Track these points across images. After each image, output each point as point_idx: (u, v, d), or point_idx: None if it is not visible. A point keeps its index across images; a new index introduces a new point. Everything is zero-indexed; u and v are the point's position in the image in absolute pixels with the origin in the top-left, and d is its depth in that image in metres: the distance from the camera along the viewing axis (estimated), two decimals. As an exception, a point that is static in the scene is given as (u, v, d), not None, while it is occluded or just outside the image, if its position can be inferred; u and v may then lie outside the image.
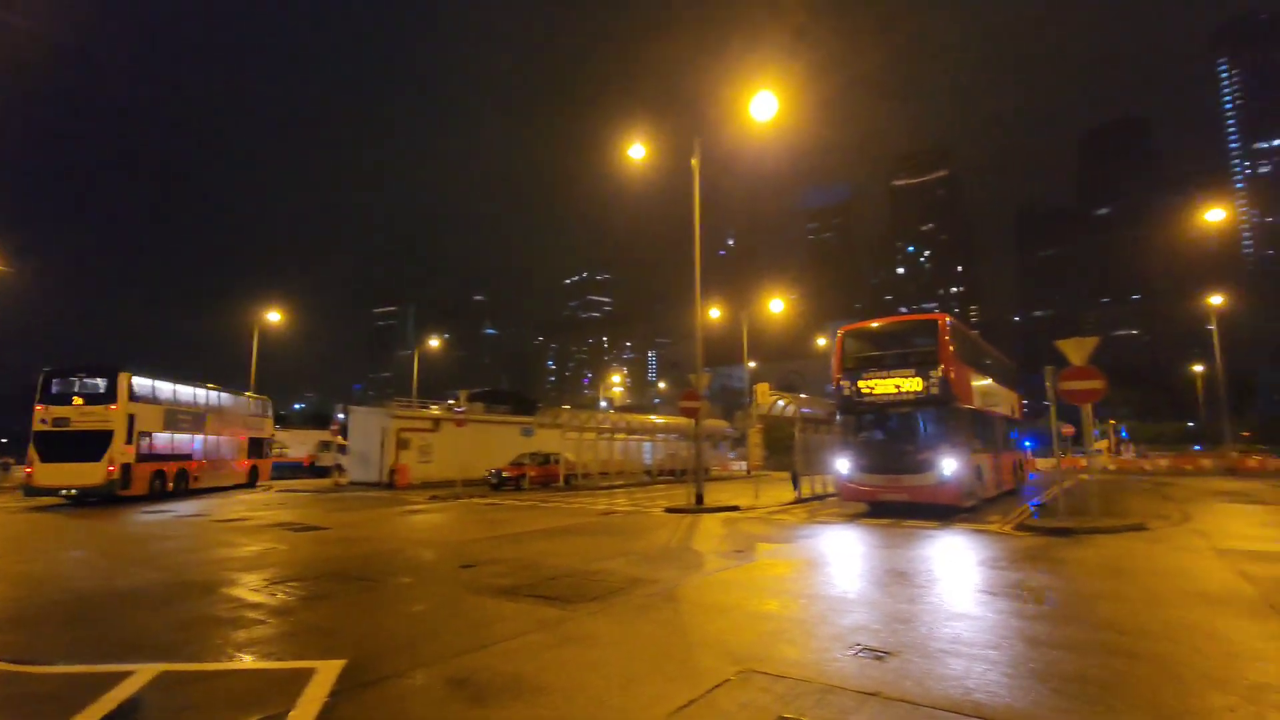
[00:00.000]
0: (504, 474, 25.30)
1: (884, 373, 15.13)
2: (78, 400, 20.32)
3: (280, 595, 7.18)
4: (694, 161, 18.63)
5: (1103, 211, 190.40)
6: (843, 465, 15.58)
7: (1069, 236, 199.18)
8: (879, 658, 4.87)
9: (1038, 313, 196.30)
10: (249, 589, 7.52)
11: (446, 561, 9.43)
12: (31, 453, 19.91)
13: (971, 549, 10.29)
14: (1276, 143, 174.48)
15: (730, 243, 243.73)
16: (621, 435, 29.24)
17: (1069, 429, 35.01)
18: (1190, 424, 78.20)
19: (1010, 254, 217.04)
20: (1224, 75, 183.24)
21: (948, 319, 15.52)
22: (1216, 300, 43.58)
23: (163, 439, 22.35)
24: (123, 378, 20.61)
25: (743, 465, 43.18)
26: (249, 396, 29.27)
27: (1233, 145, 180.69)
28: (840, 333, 16.69)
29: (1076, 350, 12.87)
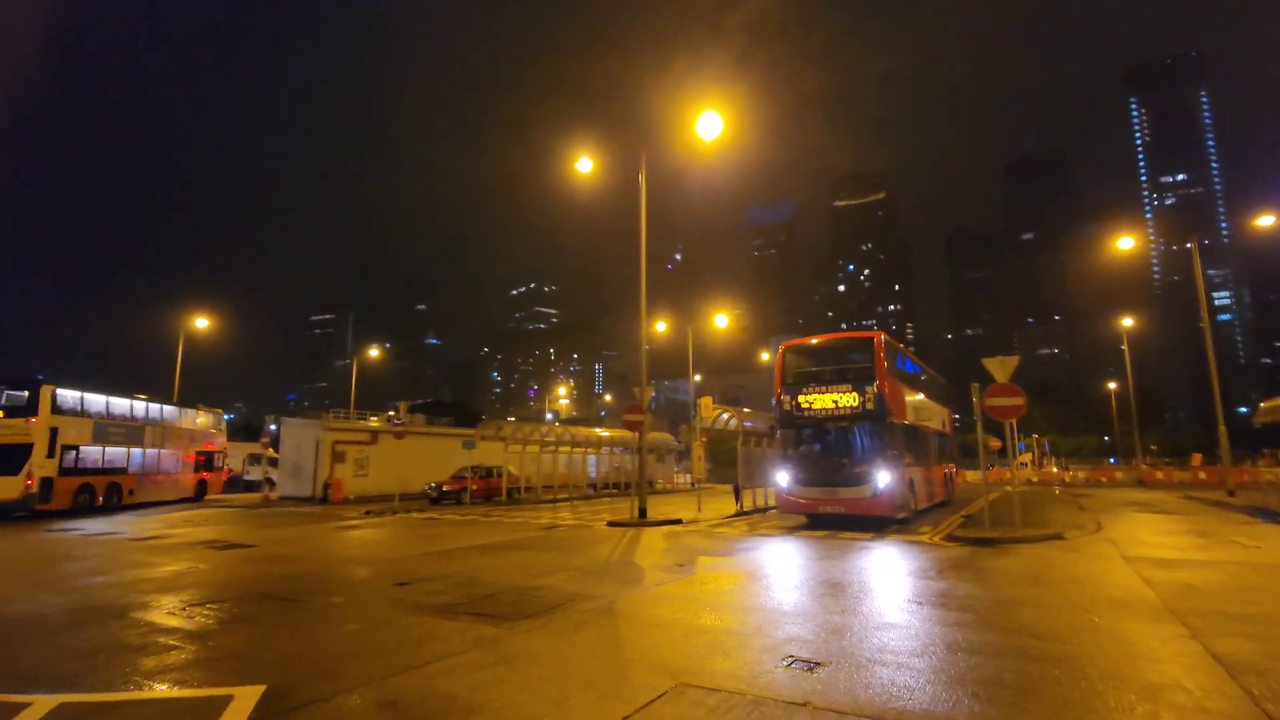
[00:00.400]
0: (444, 488, 24.75)
1: (822, 388, 15.48)
2: (-3, 412, 19.58)
3: (198, 618, 6.82)
4: (640, 177, 18.84)
5: (1027, 237, 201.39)
6: (782, 478, 15.81)
7: (997, 260, 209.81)
8: (810, 668, 4.99)
9: (969, 331, 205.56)
10: (163, 612, 7.12)
11: (380, 579, 9.15)
12: None
13: (902, 560, 10.65)
14: (1180, 177, 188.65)
15: (677, 257, 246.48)
16: (566, 448, 29.01)
17: (996, 443, 36.64)
18: (1106, 438, 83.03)
19: (943, 275, 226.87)
20: (1134, 113, 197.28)
21: (883, 336, 15.96)
22: (1128, 322, 46.71)
23: (92, 452, 21.70)
24: (45, 390, 20.01)
25: (688, 478, 43.50)
26: (199, 409, 28.33)
27: (1143, 178, 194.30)
28: (781, 348, 17.03)
29: (1000, 369, 13.56)
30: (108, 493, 22.14)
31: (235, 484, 36.13)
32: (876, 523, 14.82)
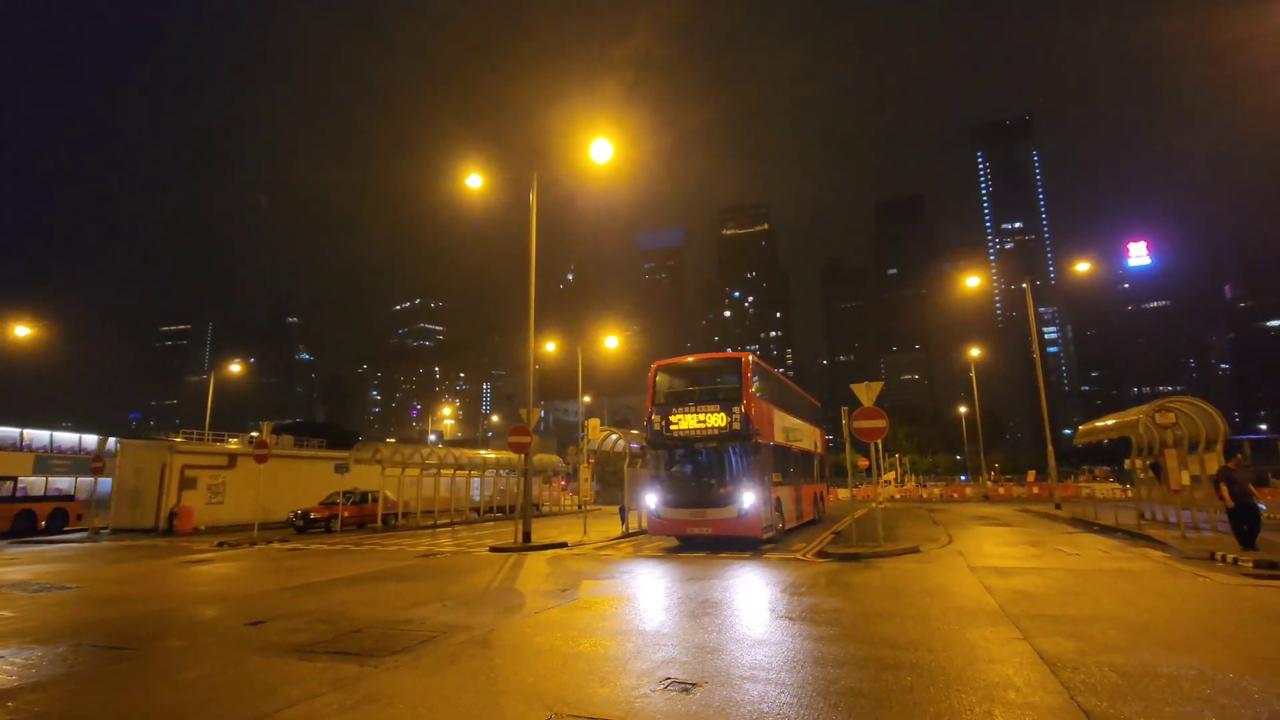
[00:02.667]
0: (311, 515, 23.00)
1: (691, 408, 15.44)
2: None
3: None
4: (531, 196, 18.74)
5: (892, 272, 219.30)
6: (651, 499, 15.64)
7: (866, 292, 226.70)
8: (685, 690, 5.04)
9: (841, 358, 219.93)
10: (-49, 670, 6.06)
11: (230, 618, 8.31)
12: None
13: (775, 577, 11.08)
14: (1017, 225, 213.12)
15: (570, 278, 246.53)
16: (448, 471, 27.89)
17: (864, 462, 39.23)
18: (959, 457, 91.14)
19: (819, 304, 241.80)
20: (980, 166, 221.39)
21: (751, 358, 16.06)
22: (975, 352, 51.80)
23: None
24: None
25: (575, 500, 43.13)
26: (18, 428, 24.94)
27: (988, 224, 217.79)
28: (653, 368, 16.78)
29: (866, 393, 14.56)
30: None
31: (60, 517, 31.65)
32: (748, 543, 15.20)
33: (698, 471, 15.58)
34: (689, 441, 15.41)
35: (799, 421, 20.65)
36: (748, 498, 14.41)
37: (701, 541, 15.85)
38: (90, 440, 27.34)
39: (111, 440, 28.62)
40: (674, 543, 16.49)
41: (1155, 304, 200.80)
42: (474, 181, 19.01)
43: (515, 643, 6.75)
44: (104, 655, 6.56)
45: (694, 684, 5.18)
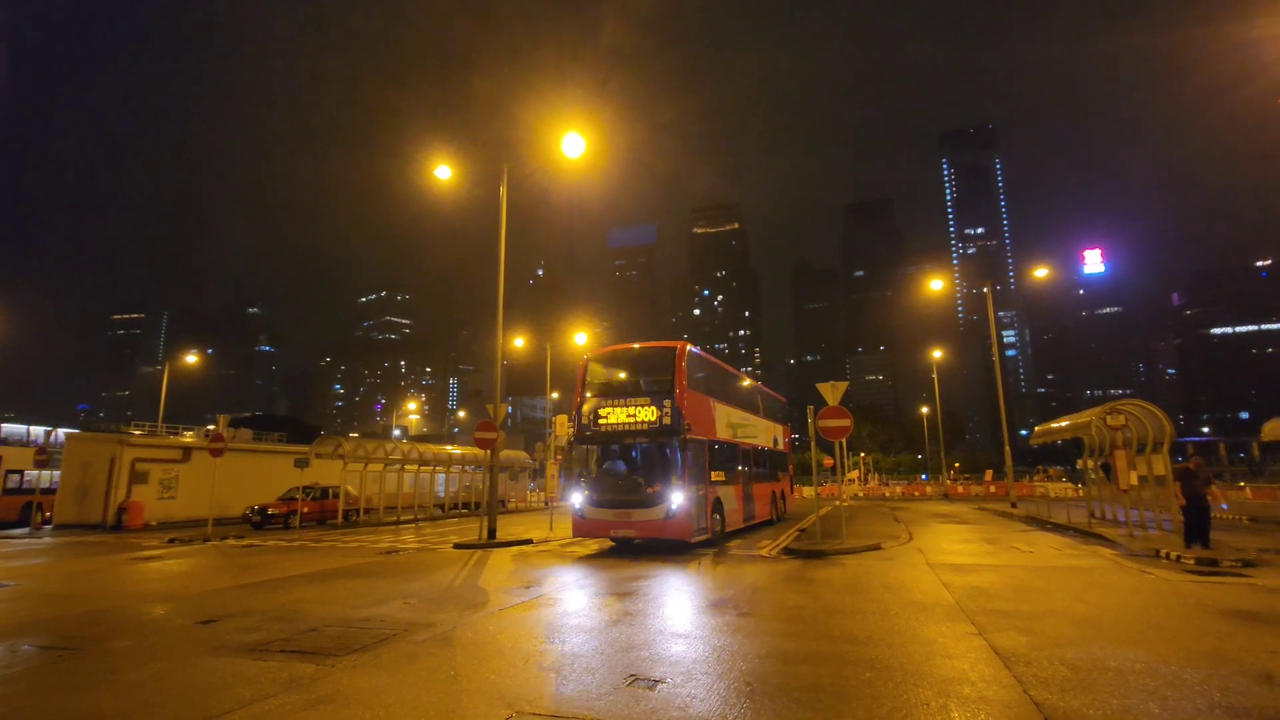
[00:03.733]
0: (269, 511, 22.42)
1: (620, 401, 14.36)
2: None
3: (-74, 677, 5.57)
4: (501, 189, 18.53)
5: (859, 274, 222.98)
6: (577, 498, 14.55)
7: (833, 293, 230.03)
8: (651, 686, 5.04)
9: (809, 357, 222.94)
10: (-125, 672, 5.74)
11: (180, 617, 8.04)
12: None
13: (741, 574, 11.16)
14: (980, 230, 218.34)
15: (540, 273, 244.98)
16: (413, 466, 27.45)
17: (829, 460, 39.80)
18: (920, 456, 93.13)
19: (787, 304, 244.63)
20: (945, 172, 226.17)
21: (688, 347, 14.93)
22: (938, 354, 52.95)
23: None
24: None
25: (543, 496, 42.88)
26: None
27: (951, 229, 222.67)
28: (585, 358, 15.73)
29: (831, 392, 14.75)
30: None
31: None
32: (679, 545, 14.16)
33: (626, 469, 14.62)
34: (618, 436, 14.38)
35: (750, 417, 19.76)
36: (676, 498, 13.32)
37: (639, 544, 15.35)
38: (38, 432, 26.54)
39: (59, 432, 27.56)
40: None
41: (1108, 310, 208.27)
42: (443, 173, 18.73)
43: (478, 640, 6.66)
44: (43, 656, 6.29)
45: (658, 680, 5.17)
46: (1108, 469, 16.66)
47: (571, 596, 9.17)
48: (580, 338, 49.19)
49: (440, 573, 11.58)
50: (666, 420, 13.75)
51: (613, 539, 14.53)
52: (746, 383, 21.36)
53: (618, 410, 14.26)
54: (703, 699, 4.75)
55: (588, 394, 14.89)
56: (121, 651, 6.50)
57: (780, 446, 23.33)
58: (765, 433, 21.12)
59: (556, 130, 17.24)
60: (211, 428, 27.23)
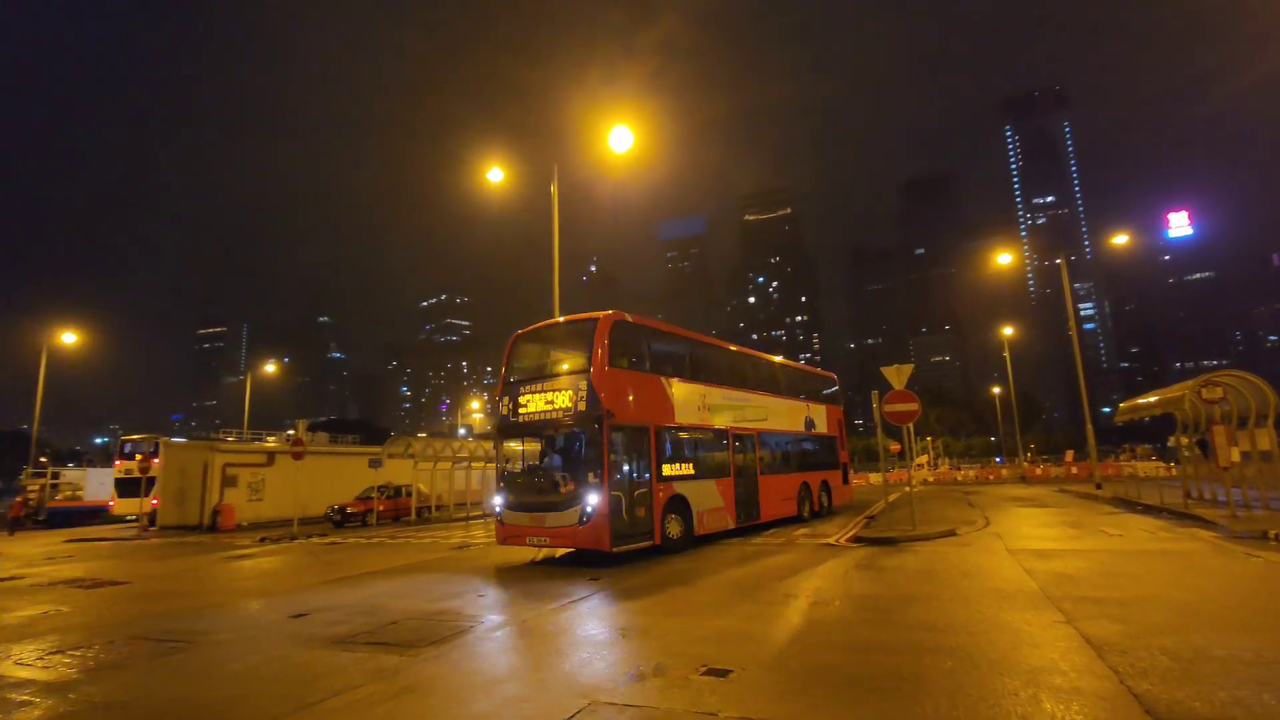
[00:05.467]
0: (348, 510, 23.50)
1: (539, 386, 12.39)
2: None
3: (58, 668, 6.10)
4: (553, 188, 18.75)
5: (920, 252, 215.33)
6: (497, 500, 12.86)
7: (893, 273, 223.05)
8: (721, 677, 5.03)
9: (869, 341, 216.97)
10: (14, 663, 6.33)
11: (274, 611, 8.53)
12: None
13: (809, 560, 10.98)
14: (1050, 199, 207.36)
15: (592, 269, 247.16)
16: (479, 464, 28.22)
17: (896, 446, 38.73)
18: (993, 438, 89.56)
19: (845, 287, 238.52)
20: (1009, 140, 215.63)
21: (615, 318, 12.46)
22: (1009, 331, 50.62)
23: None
24: None
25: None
26: None
27: (1018, 199, 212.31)
28: (512, 338, 13.71)
29: (897, 376, 14.33)
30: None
31: (100, 515, 32.83)
32: (601, 555, 11.64)
33: (542, 466, 12.93)
34: (538, 427, 12.43)
35: (754, 396, 16.81)
36: (592, 499, 11.15)
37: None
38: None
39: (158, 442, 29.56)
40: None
41: (1198, 275, 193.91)
42: (495, 176, 19.10)
43: (551, 632, 6.80)
44: (156, 648, 6.78)
45: (729, 670, 5.16)
46: (1205, 445, 15.59)
47: (643, 587, 9.23)
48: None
49: (510, 568, 11.86)
50: (581, 406, 11.58)
51: (530, 545, 12.26)
52: (745, 355, 18.11)
53: (536, 397, 12.30)
54: (775, 689, 4.71)
55: (511, 379, 13.01)
56: (224, 644, 6.95)
57: (820, 430, 20.23)
58: (786, 415, 18.32)
59: (605, 124, 17.28)
60: (291, 432, 28.69)
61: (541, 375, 12.81)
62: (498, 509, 12.63)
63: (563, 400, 11.86)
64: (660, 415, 12.94)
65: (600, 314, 12.32)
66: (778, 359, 20.49)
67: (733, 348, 17.77)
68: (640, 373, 12.94)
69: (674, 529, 12.65)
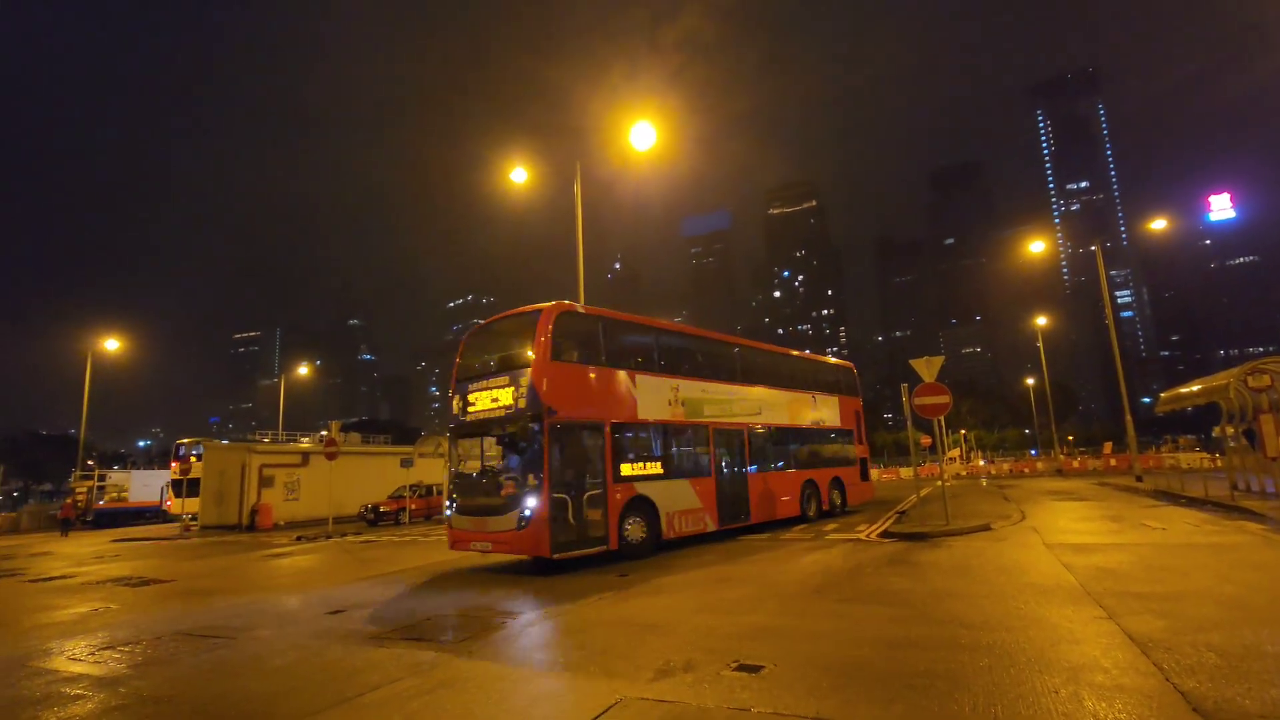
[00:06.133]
0: (381, 508, 23.93)
1: (485, 383, 12.03)
2: None
3: (108, 663, 6.33)
4: (576, 186, 18.81)
5: (949, 242, 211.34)
6: (448, 504, 12.64)
7: (922, 264, 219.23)
8: (754, 672, 5.01)
9: (897, 333, 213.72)
10: (68, 658, 6.58)
11: (312, 608, 8.72)
12: None
13: (842, 556, 10.88)
14: (1084, 184, 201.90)
15: (617, 266, 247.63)
16: (508, 462, 28.54)
17: (926, 440, 38.16)
18: (1027, 430, 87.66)
19: (872, 280, 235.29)
20: (1041, 125, 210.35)
21: (564, 308, 11.97)
22: (1042, 321, 49.45)
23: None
24: None
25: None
26: None
27: (1050, 186, 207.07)
28: (466, 334, 13.51)
29: (926, 368, 14.10)
30: None
31: (153, 515, 33.91)
32: (540, 562, 11.51)
33: (486, 467, 12.48)
34: (484, 426, 11.99)
35: (743, 389, 16.00)
36: (530, 502, 10.67)
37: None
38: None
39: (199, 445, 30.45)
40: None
41: (1241, 260, 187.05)
42: (519, 175, 19.23)
43: (582, 627, 6.85)
44: (201, 644, 6.98)
45: (762, 666, 5.14)
46: (1252, 435, 15.08)
47: (675, 583, 9.24)
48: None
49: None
50: (522, 403, 11.14)
51: (475, 551, 11.74)
52: (731, 345, 16.93)
53: (483, 395, 11.92)
54: (808, 685, 4.68)
55: (460, 377, 12.67)
56: (265, 640, 7.13)
57: (831, 424, 19.27)
58: (786, 408, 17.36)
59: (627, 121, 17.28)
60: (324, 433, 29.33)
61: (487, 372, 12.29)
62: (448, 514, 12.37)
63: (505, 398, 11.48)
64: (617, 411, 12.33)
65: (545, 305, 11.86)
66: (778, 349, 19.78)
67: (717, 337, 17.06)
68: (593, 366, 12.28)
69: (635, 532, 11.98)
